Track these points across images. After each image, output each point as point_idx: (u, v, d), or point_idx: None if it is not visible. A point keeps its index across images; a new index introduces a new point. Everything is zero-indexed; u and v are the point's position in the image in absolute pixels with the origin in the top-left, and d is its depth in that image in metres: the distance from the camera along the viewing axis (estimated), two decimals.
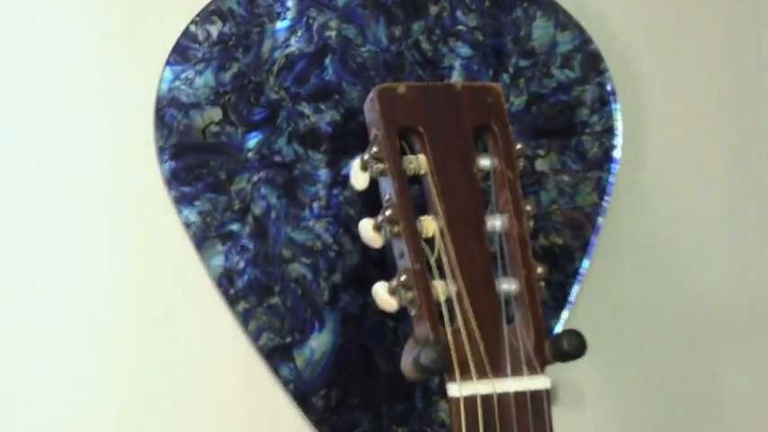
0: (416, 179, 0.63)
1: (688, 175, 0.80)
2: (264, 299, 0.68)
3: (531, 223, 0.65)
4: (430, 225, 0.63)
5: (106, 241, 0.66)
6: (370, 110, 0.64)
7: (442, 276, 0.62)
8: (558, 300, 0.74)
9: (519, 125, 0.73)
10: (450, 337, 0.60)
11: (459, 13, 0.73)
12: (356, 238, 0.64)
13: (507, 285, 0.63)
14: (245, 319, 0.67)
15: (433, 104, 0.64)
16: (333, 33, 0.70)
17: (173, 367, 0.67)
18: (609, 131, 0.76)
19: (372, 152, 0.63)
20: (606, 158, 0.76)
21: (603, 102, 0.76)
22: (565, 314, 0.74)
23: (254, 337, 0.67)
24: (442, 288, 0.61)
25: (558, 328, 0.74)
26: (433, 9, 0.72)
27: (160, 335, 0.67)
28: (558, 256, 0.74)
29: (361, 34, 0.70)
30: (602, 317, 0.77)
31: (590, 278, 0.76)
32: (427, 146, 0.64)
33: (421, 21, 0.72)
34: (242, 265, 0.67)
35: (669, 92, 0.80)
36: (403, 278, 0.61)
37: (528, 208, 0.64)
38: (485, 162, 0.65)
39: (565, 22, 0.75)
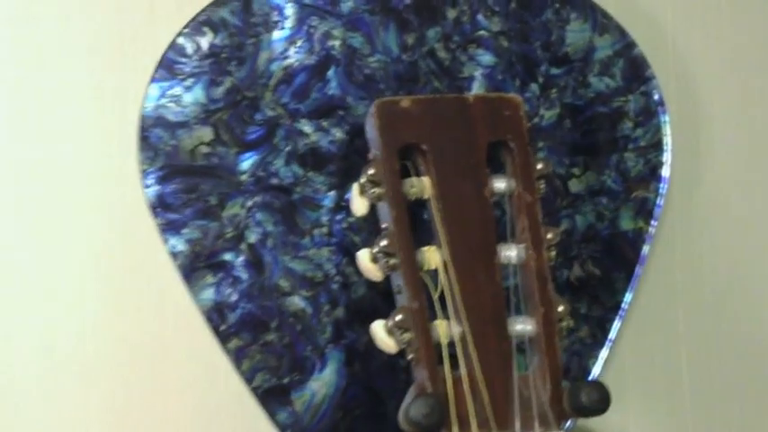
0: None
1: (749, 197, 0.71)
2: (259, 335, 0.61)
3: (553, 254, 0.57)
4: (433, 256, 0.55)
5: (90, 273, 0.60)
6: (370, 127, 0.57)
7: (446, 315, 0.55)
8: (597, 337, 0.66)
9: (550, 141, 0.66)
10: (450, 387, 0.53)
11: (480, 17, 0.65)
12: None
13: (521, 326, 0.55)
14: (237, 357, 0.61)
15: (441, 119, 0.57)
16: (337, 43, 0.63)
17: (159, 411, 0.61)
18: (656, 147, 0.67)
19: (368, 174, 0.56)
20: (653, 177, 0.67)
21: (650, 113, 0.67)
22: (604, 353, 0.66)
23: (248, 378, 0.61)
24: (444, 329, 0.54)
25: (597, 369, 0.65)
26: (451, 13, 0.65)
27: (146, 376, 0.61)
28: (597, 288, 0.66)
29: (368, 43, 0.64)
30: (649, 357, 0.68)
31: (634, 313, 0.67)
32: (432, 166, 0.57)
33: (437, 27, 0.65)
34: (234, 298, 0.61)
35: (726, 101, 0.71)
36: (399, 317, 0.54)
37: (549, 236, 0.57)
38: (500, 184, 0.57)
39: (604, 24, 0.67)
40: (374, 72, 0.63)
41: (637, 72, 0.67)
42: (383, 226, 0.56)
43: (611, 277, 0.66)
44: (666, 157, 0.67)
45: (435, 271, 0.55)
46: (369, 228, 0.62)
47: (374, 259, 0.55)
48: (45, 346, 0.60)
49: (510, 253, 0.56)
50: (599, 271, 0.66)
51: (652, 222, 0.67)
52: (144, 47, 0.62)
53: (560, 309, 0.55)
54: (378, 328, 0.55)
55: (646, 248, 0.67)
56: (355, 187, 0.57)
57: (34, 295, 0.60)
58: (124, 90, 0.61)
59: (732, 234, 0.70)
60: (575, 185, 0.66)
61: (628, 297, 0.66)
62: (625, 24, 0.69)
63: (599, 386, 0.52)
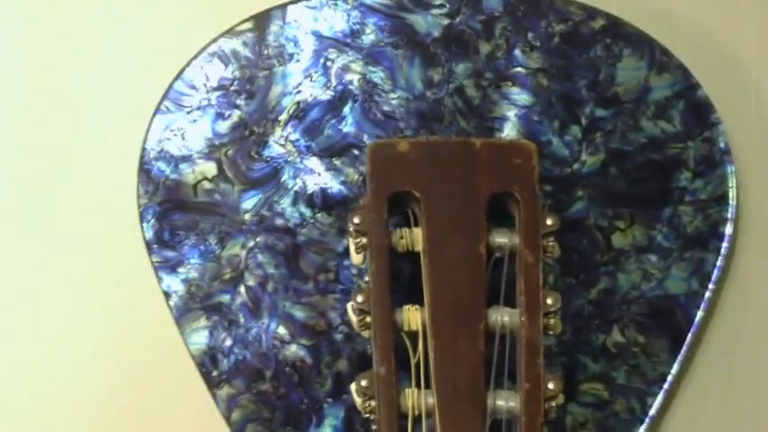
0: None
1: None
2: (253, 384, 0.57)
3: (553, 321, 0.50)
4: (414, 317, 0.50)
5: (83, 310, 0.59)
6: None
7: (420, 384, 0.49)
8: (635, 412, 0.58)
9: (591, 189, 0.58)
10: None
11: (517, 53, 0.59)
12: None
13: (503, 402, 0.48)
14: (228, 406, 0.57)
15: (440, 165, 0.52)
16: (355, 77, 0.58)
17: None
18: (719, 201, 0.59)
19: (354, 223, 0.51)
20: (713, 235, 0.59)
21: (713, 162, 0.59)
22: (641, 431, 0.58)
23: (238, 429, 0.56)
24: (414, 400, 0.49)
25: None
26: (485, 48, 0.59)
27: (139, 418, 0.58)
28: (639, 356, 0.58)
29: (390, 78, 0.58)
30: None
31: (681, 388, 0.59)
32: (424, 217, 0.51)
33: (468, 62, 0.59)
34: (229, 342, 0.57)
35: None
36: (363, 383, 0.49)
37: (549, 302, 0.50)
38: (501, 239, 0.51)
39: (663, 62, 0.59)
40: (394, 109, 0.58)
41: (700, 116, 0.59)
42: (366, 279, 0.51)
43: (657, 345, 0.58)
44: (731, 212, 0.59)
45: (415, 333, 0.50)
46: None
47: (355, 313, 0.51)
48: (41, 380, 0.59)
49: (501, 317, 0.49)
50: (642, 337, 0.58)
51: (709, 286, 0.58)
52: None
53: (551, 386, 0.48)
54: (353, 390, 0.50)
55: (699, 315, 0.58)
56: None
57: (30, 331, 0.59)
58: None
59: None
60: (618, 240, 0.58)
61: (674, 369, 0.58)
62: (698, 64, 0.61)
63: None
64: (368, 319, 0.49)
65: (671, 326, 0.58)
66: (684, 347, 0.58)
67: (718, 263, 0.58)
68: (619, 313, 0.58)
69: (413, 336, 0.49)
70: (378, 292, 0.49)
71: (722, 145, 0.59)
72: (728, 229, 0.58)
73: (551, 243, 0.51)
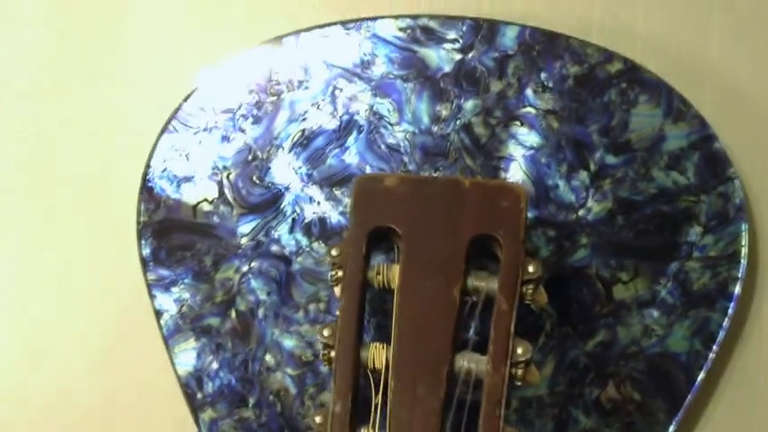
0: None
1: None
2: (236, 410, 0.56)
3: (521, 372, 0.48)
4: (379, 355, 0.48)
5: (75, 322, 0.59)
6: None
7: (379, 425, 0.47)
8: None
9: (595, 238, 0.56)
10: None
11: (529, 92, 0.57)
12: None
13: None
14: (210, 430, 0.56)
15: (425, 203, 0.50)
16: (362, 108, 0.57)
17: None
18: (730, 259, 0.55)
19: (331, 255, 0.50)
20: (721, 294, 0.55)
21: (726, 219, 0.56)
22: None
23: None
24: None
25: None
26: (496, 86, 0.57)
27: None
28: (634, 414, 0.55)
29: (397, 111, 0.57)
30: None
31: None
32: (403, 254, 0.50)
33: (477, 99, 0.57)
34: (215, 366, 0.57)
35: None
36: (318, 419, 0.47)
37: (519, 351, 0.48)
38: (478, 283, 0.49)
39: (681, 110, 0.56)
40: (399, 143, 0.57)
41: (715, 169, 0.56)
42: (337, 313, 0.50)
43: (653, 405, 0.55)
44: (741, 271, 0.55)
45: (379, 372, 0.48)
46: (373, 308, 0.55)
47: None
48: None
49: (467, 364, 0.47)
50: (638, 395, 0.55)
51: (713, 347, 0.55)
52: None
53: None
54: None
55: (701, 376, 0.55)
56: None
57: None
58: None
59: None
60: (620, 292, 0.56)
61: (671, 430, 0.55)
62: (724, 116, 0.58)
63: None
64: (332, 353, 0.48)
65: (670, 386, 0.55)
66: (683, 409, 0.55)
67: (725, 324, 0.55)
68: (615, 368, 0.55)
69: (378, 374, 0.48)
70: (344, 327, 0.48)
71: (737, 201, 0.55)
72: (737, 290, 0.55)
73: (531, 290, 0.49)
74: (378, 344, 0.48)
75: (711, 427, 0.56)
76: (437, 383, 0.47)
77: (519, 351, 0.47)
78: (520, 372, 0.47)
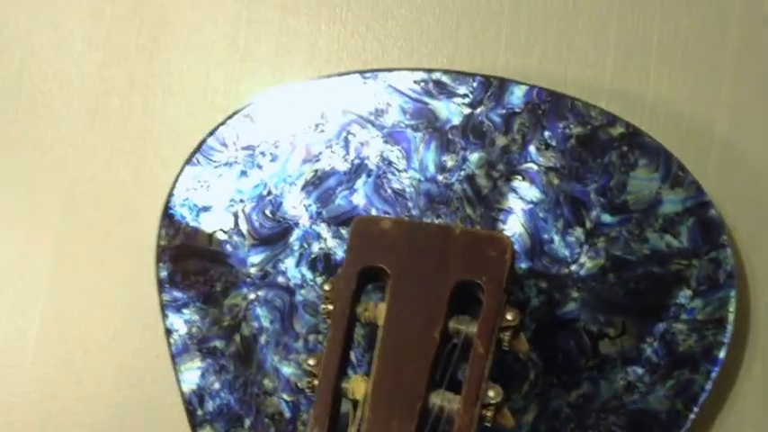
0: None
1: None
2: (233, 429, 0.58)
3: (490, 414, 0.49)
4: (359, 387, 0.50)
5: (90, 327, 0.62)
6: None
7: None
8: None
9: (586, 293, 0.57)
10: None
11: (532, 149, 0.58)
12: None
13: None
14: None
15: (417, 247, 0.52)
16: (373, 153, 0.59)
17: None
18: (716, 324, 0.56)
19: (324, 290, 0.52)
20: (705, 358, 0.56)
21: (716, 284, 0.56)
22: None
23: None
24: None
25: None
26: (501, 140, 0.59)
27: None
28: None
29: (405, 158, 0.59)
30: None
31: None
32: (390, 293, 0.51)
33: (482, 152, 0.59)
34: (217, 386, 0.59)
35: None
36: None
37: (490, 394, 0.49)
38: (459, 326, 0.50)
39: (679, 176, 0.57)
40: (404, 188, 0.59)
41: (709, 235, 0.56)
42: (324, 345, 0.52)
43: None
44: (727, 337, 0.56)
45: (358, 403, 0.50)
46: (369, 344, 0.57)
47: None
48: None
49: (440, 402, 0.49)
50: None
51: (694, 408, 0.55)
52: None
53: None
54: None
55: None
56: None
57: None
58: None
59: None
60: (606, 347, 0.57)
61: None
62: (728, 183, 0.59)
63: None
64: (315, 382, 0.50)
65: None
66: None
67: (707, 386, 0.55)
68: (596, 420, 0.56)
69: (357, 404, 0.50)
70: (328, 359, 0.50)
71: (728, 267, 0.56)
72: (722, 354, 0.55)
73: (509, 337, 0.50)
74: (359, 376, 0.50)
75: None
76: (410, 418, 0.48)
77: (490, 394, 0.49)
78: (489, 414, 0.48)
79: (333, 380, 0.50)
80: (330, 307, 0.51)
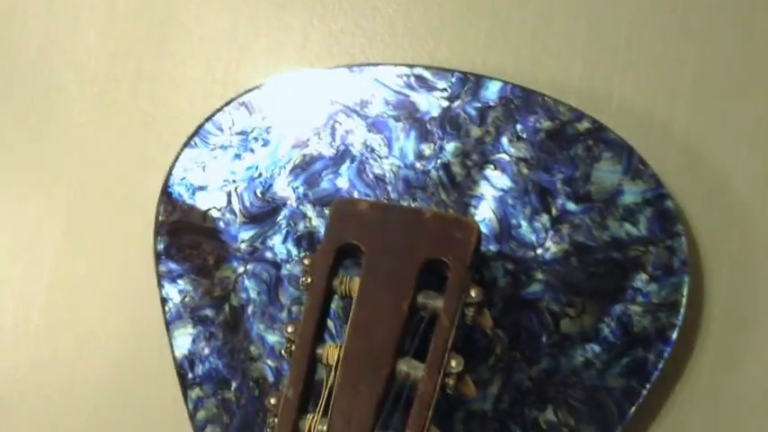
0: None
1: None
2: (219, 391, 0.61)
3: (452, 382, 0.52)
4: (332, 353, 0.53)
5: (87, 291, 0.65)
6: None
7: (321, 412, 0.52)
8: None
9: (550, 275, 0.59)
10: None
11: (504, 140, 0.61)
12: None
13: None
14: (195, 406, 0.61)
15: (390, 227, 0.54)
16: (356, 141, 0.62)
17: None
18: (670, 307, 0.59)
19: (304, 264, 0.55)
20: (659, 338, 0.58)
21: (670, 270, 0.59)
22: None
23: (199, 427, 0.61)
24: (311, 423, 0.52)
25: None
26: (475, 132, 0.61)
27: (110, 405, 0.64)
28: None
29: (386, 146, 0.62)
30: None
31: None
32: (364, 268, 0.54)
33: (458, 142, 0.61)
34: (206, 351, 0.62)
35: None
36: (272, 401, 0.52)
37: (453, 363, 0.52)
38: (426, 300, 0.53)
39: (639, 170, 0.60)
40: (385, 173, 0.62)
41: (665, 225, 0.59)
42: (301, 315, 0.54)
43: (586, 431, 0.58)
44: (679, 319, 0.58)
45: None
46: (345, 315, 0.60)
47: None
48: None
49: (406, 368, 0.52)
50: (573, 420, 0.58)
51: (646, 385, 0.58)
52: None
53: None
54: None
55: (632, 410, 0.58)
56: None
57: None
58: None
59: (747, 421, 0.59)
60: (567, 326, 0.59)
61: None
62: (685, 176, 0.61)
63: None
64: (293, 347, 0.53)
65: (602, 416, 0.58)
66: None
67: (660, 365, 0.58)
68: (555, 394, 0.59)
69: (329, 369, 0.53)
70: (305, 326, 0.53)
71: (682, 255, 0.58)
72: (674, 335, 0.58)
73: (473, 312, 0.53)
74: (333, 344, 0.53)
75: None
76: (378, 382, 0.51)
77: (453, 363, 0.51)
78: (452, 381, 0.51)
79: (308, 346, 0.52)
80: (309, 279, 0.54)
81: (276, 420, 0.51)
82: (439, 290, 0.53)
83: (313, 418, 0.52)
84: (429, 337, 0.52)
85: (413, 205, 0.60)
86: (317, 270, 0.54)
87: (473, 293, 0.53)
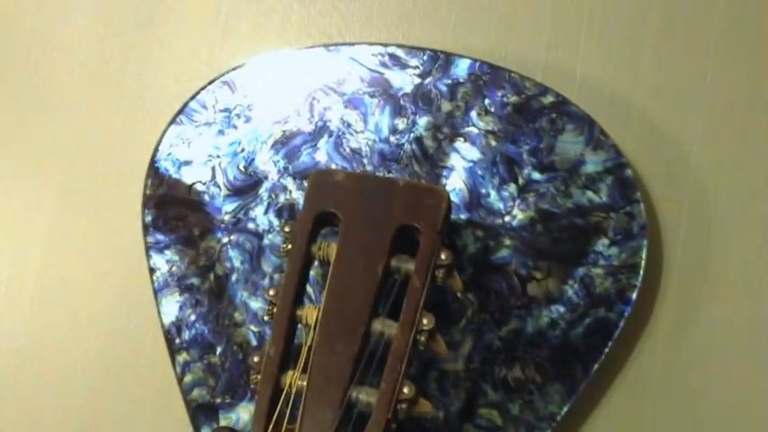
0: None
1: (739, 339, 0.62)
2: (206, 355, 0.64)
3: (424, 339, 0.54)
4: (311, 314, 0.55)
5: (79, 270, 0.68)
6: None
7: (301, 368, 0.55)
8: None
9: (517, 241, 0.62)
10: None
11: (473, 114, 0.64)
12: None
13: (364, 396, 0.53)
14: (182, 370, 0.64)
15: (366, 196, 0.57)
16: (334, 117, 0.65)
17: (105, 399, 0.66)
18: (630, 269, 0.61)
19: (284, 231, 0.57)
20: (619, 298, 0.61)
21: (630, 234, 0.61)
22: None
23: (187, 390, 0.64)
24: (292, 379, 0.54)
25: None
26: (446, 106, 0.64)
27: (102, 370, 0.67)
28: (534, 393, 0.61)
29: (362, 121, 0.64)
30: None
31: (565, 426, 0.61)
32: (341, 235, 0.57)
33: (429, 116, 0.64)
34: (193, 318, 0.64)
35: (741, 242, 0.63)
36: (255, 359, 0.55)
37: (424, 321, 0.54)
38: (399, 264, 0.55)
39: (600, 140, 0.62)
40: (361, 147, 0.64)
41: (625, 192, 0.62)
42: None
43: (552, 387, 0.61)
44: (639, 281, 0.61)
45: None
46: (324, 282, 0.62)
47: None
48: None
49: (380, 327, 0.54)
50: (540, 378, 0.61)
51: (608, 343, 0.61)
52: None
53: (405, 390, 0.53)
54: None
55: (595, 367, 0.61)
56: None
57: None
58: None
59: (706, 372, 0.62)
60: (533, 289, 0.62)
61: (564, 411, 0.60)
62: (644, 147, 0.64)
63: None
64: (274, 309, 0.55)
65: (567, 373, 0.61)
66: (576, 394, 0.60)
67: (620, 324, 0.61)
68: (523, 353, 0.61)
69: (308, 330, 0.55)
70: (285, 288, 0.55)
71: (641, 220, 0.61)
72: (634, 296, 0.61)
73: (442, 274, 0.55)
74: (312, 306, 0.55)
75: (600, 410, 0.62)
76: (353, 341, 0.54)
77: (424, 321, 0.54)
78: (423, 338, 0.54)
79: (289, 307, 0.55)
80: (289, 246, 0.56)
81: (259, 377, 0.54)
82: (412, 255, 0.56)
83: (293, 374, 0.54)
84: (402, 300, 0.55)
85: (385, 176, 0.63)
86: (297, 236, 0.56)
87: (443, 256, 0.55)
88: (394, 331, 0.54)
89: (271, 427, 0.53)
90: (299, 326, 0.56)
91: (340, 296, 0.55)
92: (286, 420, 0.53)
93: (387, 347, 0.54)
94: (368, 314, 0.54)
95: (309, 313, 0.55)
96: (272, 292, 0.56)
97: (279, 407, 0.53)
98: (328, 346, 0.54)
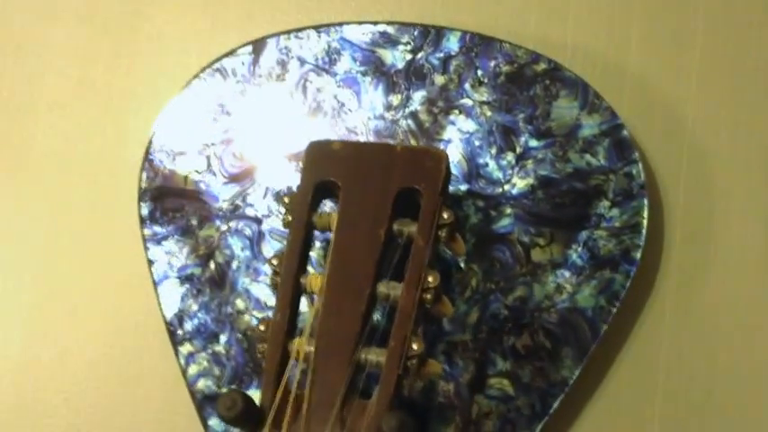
0: None
1: (740, 294, 0.63)
2: (209, 345, 0.65)
3: (430, 297, 0.55)
4: (315, 281, 0.56)
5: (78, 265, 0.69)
6: None
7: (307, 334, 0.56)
8: (535, 410, 0.61)
9: (518, 209, 0.63)
10: (276, 399, 0.53)
11: (467, 86, 0.65)
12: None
13: (374, 356, 0.54)
14: (186, 361, 0.65)
15: (363, 162, 0.58)
16: (327, 96, 0.67)
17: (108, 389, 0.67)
18: (633, 229, 0.63)
19: (284, 203, 0.59)
20: (624, 259, 0.62)
21: (630, 195, 0.63)
22: (539, 427, 0.62)
23: (192, 381, 0.64)
24: (299, 346, 0.55)
25: None
26: (439, 80, 0.66)
27: (104, 369, 0.67)
28: (545, 360, 0.62)
29: (356, 99, 0.66)
30: None
31: (580, 393, 0.62)
32: (341, 202, 0.58)
33: (423, 91, 0.66)
34: (195, 308, 0.65)
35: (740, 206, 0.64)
36: (261, 327, 0.56)
37: (429, 279, 0.55)
38: (402, 227, 0.57)
39: (594, 103, 0.64)
40: (357, 126, 0.66)
41: (622, 153, 0.63)
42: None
43: (562, 352, 0.62)
44: (642, 240, 0.62)
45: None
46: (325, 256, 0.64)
47: None
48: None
49: (386, 289, 0.55)
50: (549, 343, 0.62)
51: (616, 304, 0.62)
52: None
53: (414, 347, 0.54)
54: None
55: (604, 328, 0.62)
56: None
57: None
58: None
59: (711, 331, 0.63)
60: (537, 255, 0.63)
61: (576, 374, 0.61)
62: (640, 110, 0.66)
63: (398, 415, 0.50)
64: (277, 278, 0.56)
65: (577, 336, 0.62)
66: (587, 357, 0.61)
67: (627, 284, 0.62)
68: (530, 319, 0.62)
69: (313, 297, 0.56)
70: (288, 257, 0.56)
71: (640, 180, 0.63)
72: (638, 255, 0.62)
73: (445, 234, 0.56)
74: (315, 272, 0.56)
75: (611, 373, 0.63)
76: (359, 303, 0.55)
77: (429, 279, 0.55)
78: (429, 296, 0.55)
79: (293, 275, 0.56)
80: (290, 217, 0.58)
81: (266, 345, 0.55)
82: (414, 219, 0.57)
83: (300, 341, 0.55)
84: (406, 264, 0.56)
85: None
86: (297, 206, 0.58)
87: (445, 215, 0.57)
88: (399, 292, 0.55)
89: (280, 392, 0.53)
90: (302, 298, 0.57)
91: (344, 261, 0.56)
92: (295, 386, 0.54)
93: (393, 310, 0.55)
94: (372, 277, 0.55)
95: (314, 281, 0.56)
96: (275, 261, 0.57)
97: (287, 373, 0.54)
98: (334, 309, 0.55)
